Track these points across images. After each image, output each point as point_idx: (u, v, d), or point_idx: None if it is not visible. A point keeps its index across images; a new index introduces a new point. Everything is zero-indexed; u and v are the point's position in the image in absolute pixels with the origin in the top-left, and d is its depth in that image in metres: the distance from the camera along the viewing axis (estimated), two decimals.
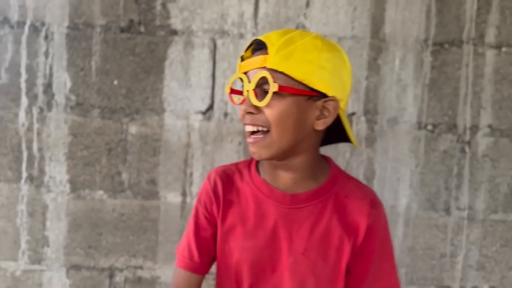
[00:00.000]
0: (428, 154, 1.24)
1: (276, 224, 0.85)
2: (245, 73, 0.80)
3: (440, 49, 1.23)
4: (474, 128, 1.24)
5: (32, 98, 1.24)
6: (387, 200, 1.25)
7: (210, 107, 1.24)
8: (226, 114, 1.24)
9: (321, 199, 0.85)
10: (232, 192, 0.88)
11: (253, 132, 0.80)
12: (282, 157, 0.82)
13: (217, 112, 1.24)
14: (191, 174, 1.25)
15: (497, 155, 1.24)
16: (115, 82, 1.24)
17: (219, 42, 1.23)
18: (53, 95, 1.24)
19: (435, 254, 1.26)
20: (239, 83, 0.80)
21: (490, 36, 1.23)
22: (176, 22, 1.23)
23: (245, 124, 0.81)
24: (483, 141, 1.24)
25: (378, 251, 0.89)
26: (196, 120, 1.24)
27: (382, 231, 0.91)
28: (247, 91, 0.78)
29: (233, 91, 0.85)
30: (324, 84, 0.80)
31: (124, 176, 1.25)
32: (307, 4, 1.22)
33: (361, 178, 1.25)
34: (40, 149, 1.24)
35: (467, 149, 1.24)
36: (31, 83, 1.24)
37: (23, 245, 1.26)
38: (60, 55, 1.23)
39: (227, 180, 0.90)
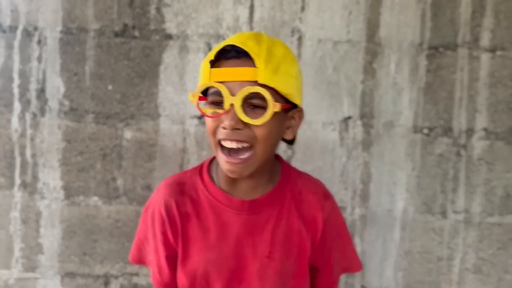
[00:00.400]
0: (424, 158, 1.24)
1: (238, 232, 0.83)
2: (221, 82, 0.74)
3: (435, 53, 1.24)
4: (470, 132, 1.24)
5: (25, 103, 1.22)
6: (383, 204, 1.25)
7: None
8: None
9: (278, 200, 0.85)
10: (186, 204, 0.84)
11: (231, 149, 0.76)
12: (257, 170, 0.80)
13: None
14: None
15: (492, 158, 1.25)
16: (110, 87, 1.23)
17: (214, 46, 1.22)
18: (46, 100, 1.22)
19: (432, 257, 1.26)
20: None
21: (485, 39, 1.24)
22: (170, 27, 1.22)
23: (223, 140, 0.75)
24: (478, 144, 1.25)
25: (337, 239, 0.91)
26: (192, 125, 1.24)
27: (338, 220, 0.93)
28: (231, 105, 0.73)
29: (200, 98, 0.79)
30: (298, 96, 0.81)
31: (119, 182, 1.24)
32: (303, 8, 1.22)
33: (357, 182, 1.25)
34: (33, 155, 1.23)
35: (462, 152, 1.24)
36: (24, 88, 1.22)
37: (17, 253, 1.24)
38: (53, 60, 1.22)
39: (179, 192, 0.85)
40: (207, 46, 1.23)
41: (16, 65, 1.22)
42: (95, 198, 1.24)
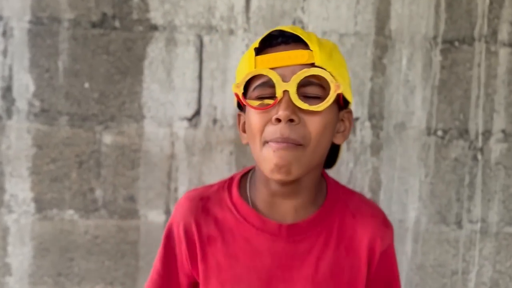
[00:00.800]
0: (438, 163, 1.13)
1: (272, 264, 0.68)
2: (272, 69, 0.63)
3: (450, 47, 1.12)
4: (487, 134, 1.14)
5: None
6: (394, 213, 1.13)
7: (197, 113, 1.10)
8: (215, 121, 1.10)
9: (324, 225, 0.71)
10: (210, 224, 0.71)
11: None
12: (301, 177, 0.66)
13: (204, 119, 1.10)
14: (175, 190, 1.10)
15: (511, 163, 1.14)
16: (86, 85, 1.08)
17: (206, 39, 1.09)
18: (13, 100, 1.07)
19: (446, 271, 1.15)
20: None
21: (503, 33, 1.13)
22: (156, 16, 1.07)
23: (273, 141, 0.62)
24: (496, 148, 1.14)
25: (389, 276, 0.77)
26: (181, 128, 1.10)
27: (394, 257, 0.79)
28: (285, 92, 0.61)
29: (238, 98, 0.69)
30: (349, 92, 0.69)
31: (98, 193, 1.09)
32: None
33: (366, 189, 1.13)
34: None
35: (479, 156, 1.14)
36: None
37: None
38: (21, 54, 1.06)
39: (202, 210, 0.72)
40: (197, 38, 1.09)
41: None
42: (71, 212, 1.09)
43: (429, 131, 1.13)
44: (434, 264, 1.15)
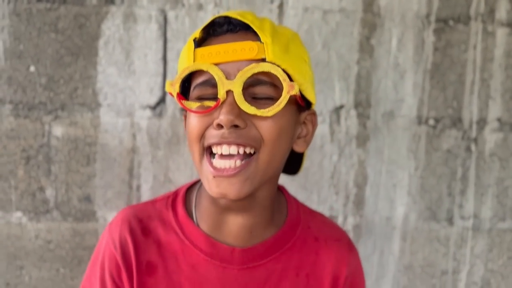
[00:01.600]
0: (429, 155, 1.03)
1: None
2: (216, 64, 0.53)
3: (444, 27, 1.01)
4: (482, 122, 1.04)
5: None
6: (381, 210, 1.04)
7: (162, 100, 0.97)
8: (182, 109, 0.97)
9: (283, 250, 0.62)
10: (150, 250, 0.60)
11: (222, 156, 0.53)
12: (254, 191, 0.55)
13: (170, 107, 0.97)
14: (138, 188, 0.98)
15: (506, 154, 1.06)
16: (32, 69, 0.93)
17: (170, 15, 0.95)
18: None
19: (435, 271, 1.07)
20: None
21: (502, 11, 1.03)
22: None
23: (216, 144, 0.53)
24: (491, 138, 1.05)
25: None
26: (143, 118, 0.96)
27: (362, 280, 0.71)
28: (228, 92, 0.51)
29: (179, 97, 0.56)
30: (312, 90, 0.58)
31: (49, 192, 0.96)
32: None
33: (351, 185, 1.02)
34: None
35: (473, 147, 1.04)
36: None
37: None
38: None
39: (141, 230, 0.60)
40: (161, 14, 0.94)
41: None
42: (18, 214, 0.96)
43: (420, 120, 1.03)
44: (423, 264, 1.06)
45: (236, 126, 0.51)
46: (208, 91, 0.54)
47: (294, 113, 0.57)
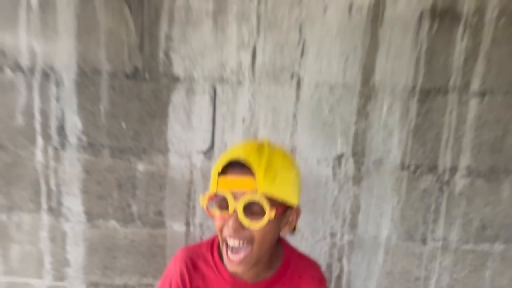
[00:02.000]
0: (409, 192, 1.36)
1: None
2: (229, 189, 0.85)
3: (426, 97, 1.31)
4: (453, 170, 1.35)
5: (47, 138, 1.35)
6: (370, 231, 1.39)
7: (211, 147, 1.35)
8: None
9: (278, 284, 0.97)
10: (198, 279, 0.96)
11: (232, 249, 0.87)
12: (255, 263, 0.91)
13: (217, 152, 1.35)
14: (193, 207, 1.39)
15: (472, 194, 1.36)
16: (123, 125, 1.34)
17: (218, 89, 1.32)
18: (66, 136, 1.35)
19: (410, 277, 1.42)
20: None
21: (475, 84, 1.30)
22: (178, 70, 1.30)
23: (227, 237, 0.87)
24: (460, 181, 1.35)
25: None
26: (198, 160, 1.36)
27: None
28: (234, 210, 0.84)
29: (211, 197, 0.89)
30: (295, 198, 0.91)
31: (134, 208, 1.39)
32: (302, 54, 1.29)
33: (347, 212, 1.38)
34: (57, 184, 1.37)
35: (445, 188, 1.36)
36: (45, 125, 1.34)
37: (47, 265, 1.43)
38: (70, 100, 1.32)
39: (192, 266, 0.97)
40: (212, 88, 1.31)
41: (37, 104, 1.33)
42: (113, 222, 1.40)
43: (403, 167, 1.35)
44: (401, 271, 1.42)
45: (238, 230, 0.85)
46: (224, 204, 0.87)
47: (278, 218, 0.89)
